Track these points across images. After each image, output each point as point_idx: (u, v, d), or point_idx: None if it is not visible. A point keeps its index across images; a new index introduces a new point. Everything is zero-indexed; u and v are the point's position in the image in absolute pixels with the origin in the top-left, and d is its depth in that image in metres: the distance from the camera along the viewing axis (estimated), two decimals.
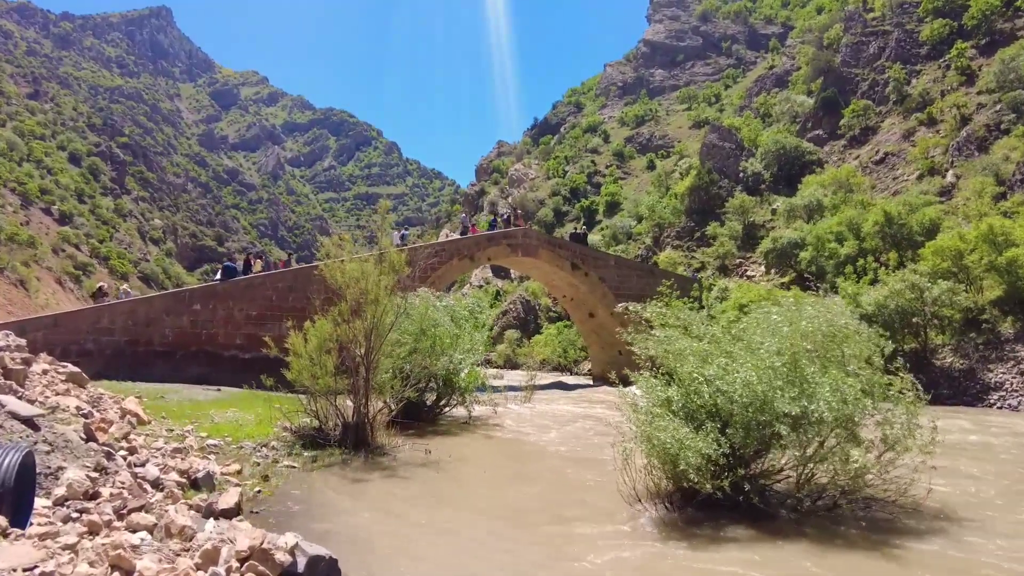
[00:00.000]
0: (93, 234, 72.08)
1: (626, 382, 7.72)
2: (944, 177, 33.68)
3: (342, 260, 10.17)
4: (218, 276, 22.62)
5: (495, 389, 14.84)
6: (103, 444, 6.48)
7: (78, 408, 7.69)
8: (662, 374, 7.28)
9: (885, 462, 6.44)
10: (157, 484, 6.24)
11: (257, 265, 24.71)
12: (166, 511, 5.43)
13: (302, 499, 7.13)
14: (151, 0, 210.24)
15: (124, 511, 5.16)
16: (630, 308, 8.72)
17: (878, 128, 43.35)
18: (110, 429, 7.36)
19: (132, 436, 7.62)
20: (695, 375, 6.65)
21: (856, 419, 6.40)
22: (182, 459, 7.34)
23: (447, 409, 14.67)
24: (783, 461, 6.82)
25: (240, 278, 22.07)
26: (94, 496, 5.30)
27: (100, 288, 29.33)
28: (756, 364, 6.42)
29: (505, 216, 31.42)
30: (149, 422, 9.83)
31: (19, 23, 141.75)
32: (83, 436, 6.38)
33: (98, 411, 8.28)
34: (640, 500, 6.91)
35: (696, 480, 6.02)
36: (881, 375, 6.75)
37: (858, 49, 49.09)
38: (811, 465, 6.47)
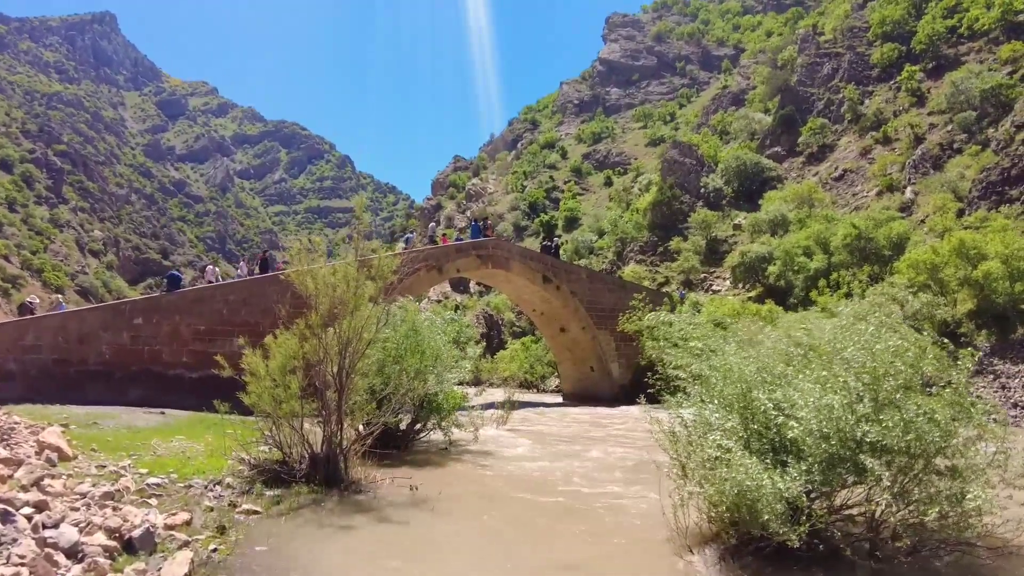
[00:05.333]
0: (25, 245, 67.86)
1: (653, 400, 6.60)
2: (903, 193, 34.24)
3: (318, 265, 8.77)
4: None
5: (474, 409, 13.51)
6: None
7: None
8: (700, 398, 6.20)
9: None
10: (75, 552, 4.72)
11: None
12: None
13: (272, 562, 5.60)
14: (94, 5, 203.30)
15: None
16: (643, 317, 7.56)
17: (835, 146, 44.18)
18: (15, 474, 5.77)
19: (48, 480, 6.04)
20: (761, 399, 5.57)
21: (942, 449, 5.44)
22: (113, 509, 5.78)
23: (422, 434, 13.28)
24: (856, 499, 5.80)
25: (187, 289, 20.16)
26: None
27: (27, 303, 26.77)
28: (836, 387, 5.42)
29: (477, 225, 30.19)
30: (75, 457, 8.20)
31: None
32: None
33: (6, 448, 6.66)
34: (691, 550, 5.77)
35: (776, 529, 4.89)
36: (965, 395, 5.83)
37: (813, 70, 50.20)
38: (903, 505, 5.42)
